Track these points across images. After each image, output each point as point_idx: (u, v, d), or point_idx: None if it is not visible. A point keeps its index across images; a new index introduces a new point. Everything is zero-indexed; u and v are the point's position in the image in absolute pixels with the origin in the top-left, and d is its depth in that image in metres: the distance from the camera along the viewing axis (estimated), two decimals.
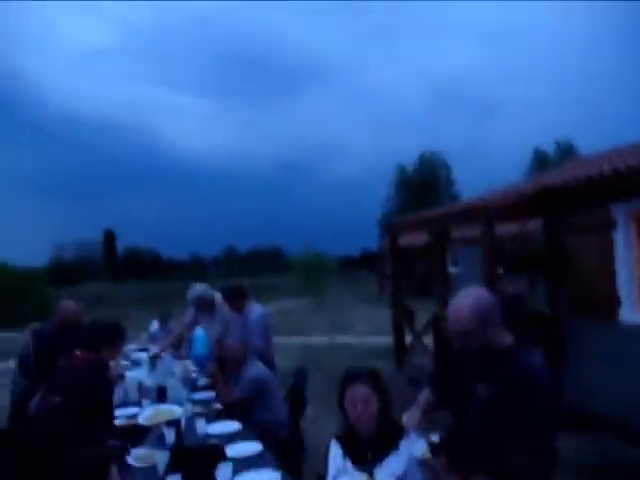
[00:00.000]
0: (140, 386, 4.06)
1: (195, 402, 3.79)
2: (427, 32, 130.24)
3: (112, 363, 3.31)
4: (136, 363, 5.29)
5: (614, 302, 5.26)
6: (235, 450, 2.79)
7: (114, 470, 2.38)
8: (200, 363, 4.98)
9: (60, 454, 2.42)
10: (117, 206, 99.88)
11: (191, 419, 3.30)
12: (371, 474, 2.07)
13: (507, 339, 1.94)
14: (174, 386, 3.85)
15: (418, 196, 38.40)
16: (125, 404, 3.77)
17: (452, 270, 9.36)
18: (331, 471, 2.19)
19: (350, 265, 48.64)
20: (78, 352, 2.89)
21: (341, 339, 11.99)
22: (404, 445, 2.10)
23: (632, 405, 4.77)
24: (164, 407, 3.38)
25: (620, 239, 5.28)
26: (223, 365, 4.02)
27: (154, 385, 3.97)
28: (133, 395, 3.95)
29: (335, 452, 2.21)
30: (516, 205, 6.01)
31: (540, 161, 38.16)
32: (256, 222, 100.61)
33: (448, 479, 1.90)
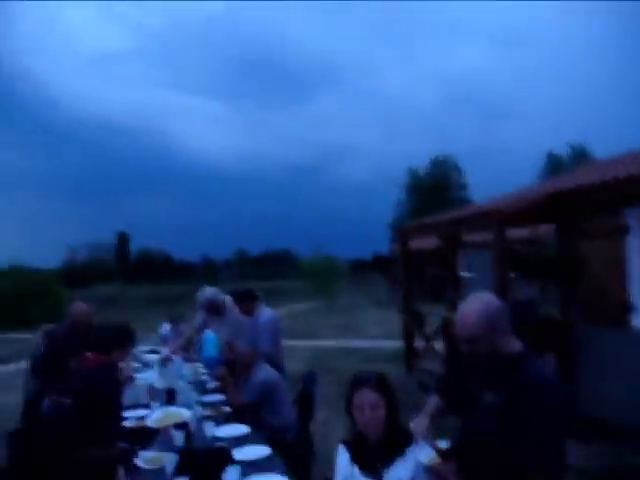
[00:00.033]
0: (150, 388, 4.08)
1: (204, 405, 3.80)
2: (439, 34, 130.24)
3: (122, 365, 3.33)
4: (147, 365, 5.31)
5: (626, 308, 5.21)
6: (243, 453, 2.79)
7: (121, 472, 2.39)
8: (210, 366, 5.00)
9: (69, 454, 2.44)
10: (129, 208, 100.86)
11: (200, 422, 3.31)
12: None
13: (515, 345, 1.92)
14: (183, 389, 3.86)
15: (429, 200, 38.17)
16: (135, 406, 3.79)
17: (463, 274, 9.30)
18: (338, 476, 2.18)
19: (362, 268, 48.53)
20: (89, 354, 2.93)
21: (351, 343, 11.97)
22: (411, 451, 2.09)
23: None
24: (173, 409, 3.39)
25: (634, 244, 5.22)
26: (233, 368, 4.02)
27: (164, 387, 3.99)
28: (143, 397, 3.97)
29: (342, 457, 2.21)
30: (528, 209, 5.97)
31: (554, 165, 37.85)
32: (267, 225, 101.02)
33: None
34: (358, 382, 2.17)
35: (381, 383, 2.17)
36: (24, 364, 4.61)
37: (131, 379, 3.92)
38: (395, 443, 2.12)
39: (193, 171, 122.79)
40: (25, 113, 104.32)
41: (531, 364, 1.87)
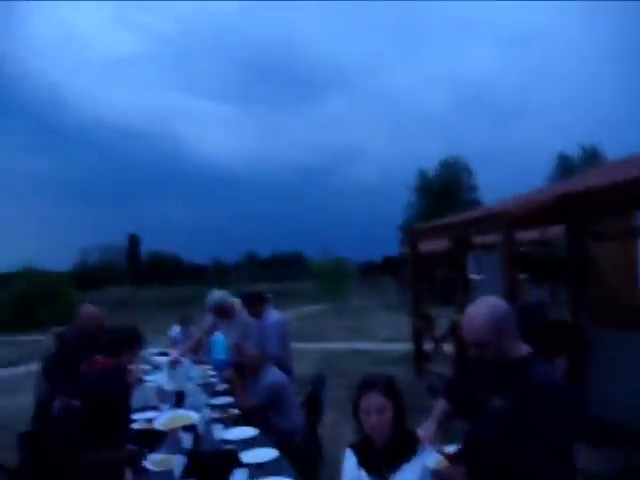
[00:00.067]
0: (159, 390, 4.10)
1: (213, 407, 3.82)
2: (448, 35, 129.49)
3: (131, 367, 3.35)
4: (156, 367, 5.34)
5: (637, 310, 5.16)
6: (251, 456, 2.79)
7: (129, 474, 2.41)
8: (219, 368, 5.02)
9: (78, 456, 2.46)
10: (140, 211, 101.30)
11: (208, 424, 3.32)
12: None
13: (523, 349, 1.91)
14: (192, 391, 3.88)
15: (439, 202, 38.04)
16: (144, 408, 3.81)
17: (473, 277, 9.25)
18: None
19: (371, 271, 48.36)
20: (99, 357, 2.95)
21: (361, 345, 11.95)
22: (418, 456, 2.08)
23: None
24: (181, 412, 3.41)
25: None
26: (241, 371, 4.04)
27: (173, 390, 4.01)
28: (152, 399, 3.99)
29: (350, 461, 2.21)
30: (538, 211, 5.93)
31: (565, 166, 37.57)
32: (276, 227, 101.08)
33: None
34: (365, 386, 2.16)
35: (388, 387, 2.16)
36: (35, 366, 4.65)
37: (140, 381, 3.94)
38: (402, 447, 2.11)
39: (204, 174, 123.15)
40: (38, 116, 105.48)
41: (538, 367, 1.86)
